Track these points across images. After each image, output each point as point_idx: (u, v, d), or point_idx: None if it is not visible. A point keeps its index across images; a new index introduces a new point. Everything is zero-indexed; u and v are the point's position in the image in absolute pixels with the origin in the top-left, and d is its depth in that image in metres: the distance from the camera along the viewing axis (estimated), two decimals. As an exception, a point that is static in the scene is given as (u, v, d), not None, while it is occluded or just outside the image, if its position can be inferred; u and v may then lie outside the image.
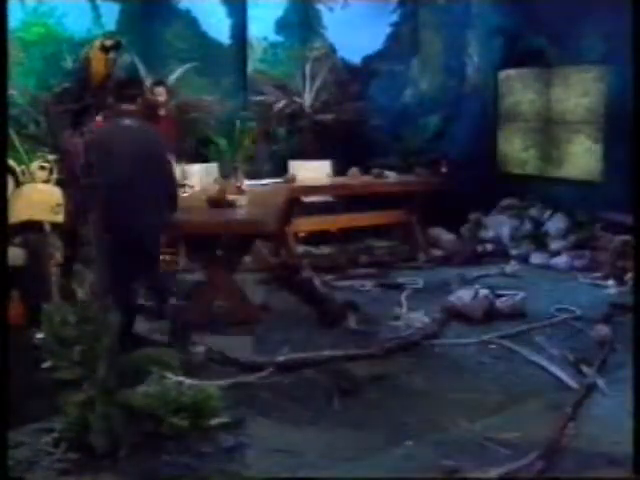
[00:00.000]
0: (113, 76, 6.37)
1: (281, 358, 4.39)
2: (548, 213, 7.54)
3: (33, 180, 6.14)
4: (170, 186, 4.76)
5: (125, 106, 4.69)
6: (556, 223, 7.38)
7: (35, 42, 7.63)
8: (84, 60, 6.60)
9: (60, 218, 5.00)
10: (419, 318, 5.30)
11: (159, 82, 7.20)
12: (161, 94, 6.91)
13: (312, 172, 7.90)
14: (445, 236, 7.89)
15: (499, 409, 3.78)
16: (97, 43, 6.42)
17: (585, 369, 4.25)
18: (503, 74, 8.50)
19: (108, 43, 6.23)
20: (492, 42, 8.44)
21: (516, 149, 8.42)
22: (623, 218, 6.33)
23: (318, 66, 8.83)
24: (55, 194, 5.13)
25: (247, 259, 6.47)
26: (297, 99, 8.74)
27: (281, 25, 8.90)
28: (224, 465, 3.16)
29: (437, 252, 7.58)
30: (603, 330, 4.90)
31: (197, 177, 7.31)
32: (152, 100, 6.82)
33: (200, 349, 4.55)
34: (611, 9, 6.79)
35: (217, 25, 8.60)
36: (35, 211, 4.85)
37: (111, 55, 6.47)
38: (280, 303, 5.75)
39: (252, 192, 6.16)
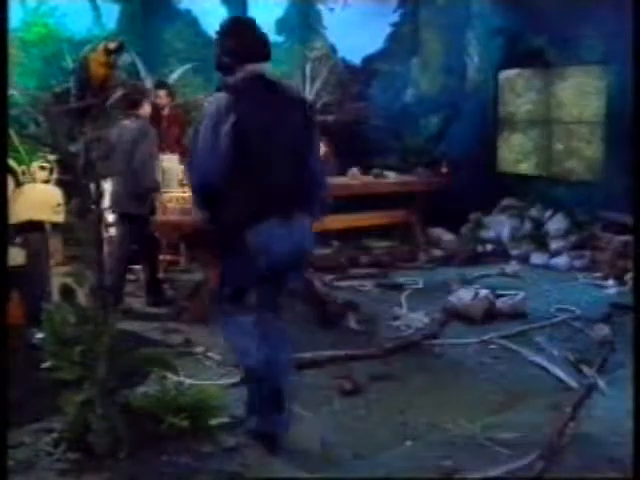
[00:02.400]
0: (113, 76, 6.38)
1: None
2: (548, 213, 7.54)
3: (33, 180, 6.15)
4: (145, 180, 5.39)
5: (130, 110, 5.54)
6: (556, 223, 7.38)
7: (35, 42, 7.63)
8: (83, 61, 6.60)
9: (60, 218, 5.00)
10: (419, 318, 5.30)
11: (161, 84, 7.28)
12: (161, 96, 6.99)
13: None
14: (445, 236, 7.89)
15: (499, 409, 3.78)
16: (101, 47, 6.43)
17: (585, 369, 4.24)
18: (503, 74, 8.51)
19: (112, 46, 6.24)
20: (492, 42, 8.44)
21: (516, 149, 8.43)
22: (623, 218, 6.33)
23: (318, 66, 8.83)
24: (55, 194, 5.13)
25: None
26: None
27: (281, 25, 8.90)
28: (224, 465, 3.16)
29: (437, 252, 7.58)
30: (603, 330, 4.90)
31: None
32: (155, 102, 6.90)
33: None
34: (611, 9, 6.79)
35: (217, 25, 8.60)
36: (35, 211, 4.85)
37: (112, 57, 6.47)
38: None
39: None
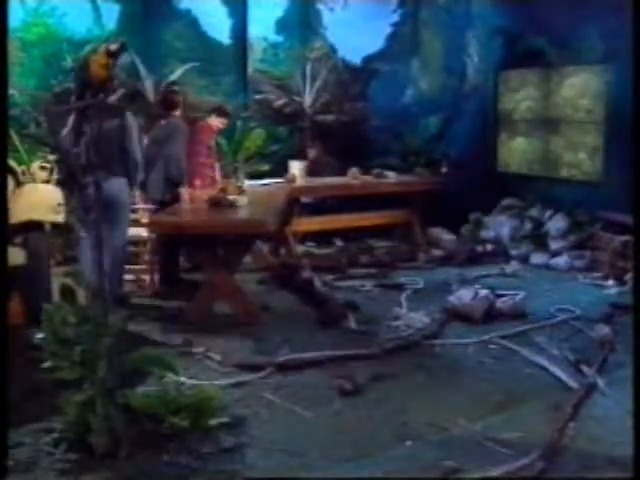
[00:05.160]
0: (113, 77, 6.38)
1: (281, 358, 4.40)
2: (548, 213, 7.54)
3: (33, 180, 6.15)
4: (173, 170, 6.15)
5: (168, 111, 6.25)
6: (556, 223, 7.38)
7: (35, 42, 7.63)
8: (83, 62, 6.59)
9: (60, 218, 5.01)
10: (419, 318, 5.30)
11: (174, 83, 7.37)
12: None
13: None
14: (445, 236, 7.89)
15: (499, 409, 3.78)
16: (102, 49, 6.43)
17: (585, 369, 4.25)
18: (503, 74, 8.51)
19: (113, 48, 6.26)
20: (492, 42, 8.44)
21: (516, 149, 8.43)
22: (623, 218, 6.33)
23: (318, 66, 8.84)
24: (55, 194, 5.14)
25: (247, 259, 6.48)
26: (297, 99, 8.75)
27: (281, 25, 8.90)
28: (224, 465, 3.16)
29: (437, 252, 7.58)
30: (603, 330, 4.90)
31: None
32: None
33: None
34: (611, 9, 6.79)
35: (217, 25, 8.61)
36: (35, 211, 4.85)
37: (113, 58, 6.46)
38: (280, 303, 5.75)
39: (252, 192, 6.17)
